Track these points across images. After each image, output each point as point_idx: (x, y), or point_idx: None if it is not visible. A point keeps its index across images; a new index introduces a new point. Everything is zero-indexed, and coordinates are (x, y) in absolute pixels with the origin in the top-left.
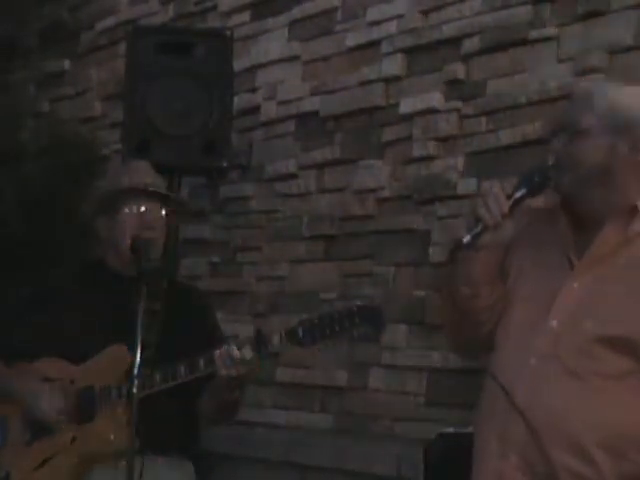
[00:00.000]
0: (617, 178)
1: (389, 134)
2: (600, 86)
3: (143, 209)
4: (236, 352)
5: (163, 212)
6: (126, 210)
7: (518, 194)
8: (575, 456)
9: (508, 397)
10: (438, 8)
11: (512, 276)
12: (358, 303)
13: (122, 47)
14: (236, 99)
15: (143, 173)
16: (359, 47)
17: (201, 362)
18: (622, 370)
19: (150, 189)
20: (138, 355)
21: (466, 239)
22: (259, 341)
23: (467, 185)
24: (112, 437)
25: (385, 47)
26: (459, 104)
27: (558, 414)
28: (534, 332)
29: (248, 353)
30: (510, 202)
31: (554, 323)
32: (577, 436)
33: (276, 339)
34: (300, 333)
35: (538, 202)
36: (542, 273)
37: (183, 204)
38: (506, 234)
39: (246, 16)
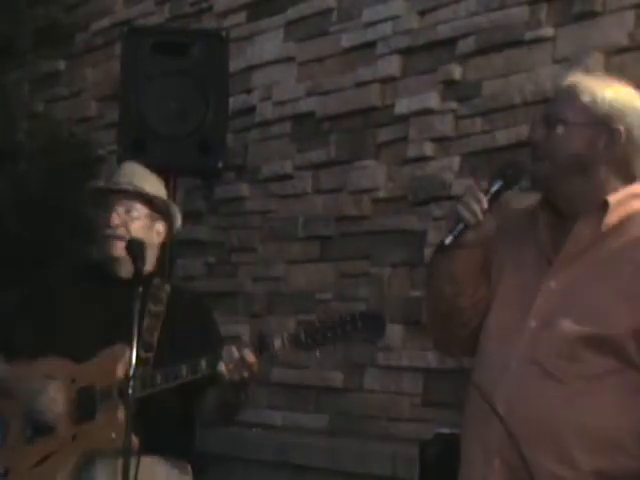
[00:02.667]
0: (594, 172)
1: (385, 135)
2: (584, 79)
3: (110, 210)
4: (237, 354)
5: (137, 213)
6: (99, 212)
7: (494, 188)
8: (557, 460)
9: (489, 403)
10: (433, 9)
11: (493, 277)
12: (361, 310)
13: (117, 48)
14: (231, 100)
15: (123, 175)
16: (355, 48)
17: (203, 363)
18: (604, 370)
19: (114, 188)
20: (134, 355)
21: (448, 240)
22: (262, 344)
23: (463, 186)
24: (114, 436)
25: (381, 48)
26: (454, 105)
27: (539, 418)
28: (514, 334)
29: (250, 356)
30: (488, 197)
31: (533, 324)
32: (559, 440)
33: (278, 343)
34: (302, 337)
35: (521, 203)
36: (521, 273)
37: (165, 205)
38: (488, 230)
39: (242, 17)
